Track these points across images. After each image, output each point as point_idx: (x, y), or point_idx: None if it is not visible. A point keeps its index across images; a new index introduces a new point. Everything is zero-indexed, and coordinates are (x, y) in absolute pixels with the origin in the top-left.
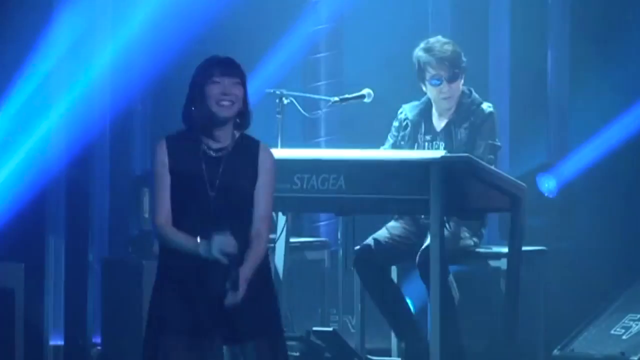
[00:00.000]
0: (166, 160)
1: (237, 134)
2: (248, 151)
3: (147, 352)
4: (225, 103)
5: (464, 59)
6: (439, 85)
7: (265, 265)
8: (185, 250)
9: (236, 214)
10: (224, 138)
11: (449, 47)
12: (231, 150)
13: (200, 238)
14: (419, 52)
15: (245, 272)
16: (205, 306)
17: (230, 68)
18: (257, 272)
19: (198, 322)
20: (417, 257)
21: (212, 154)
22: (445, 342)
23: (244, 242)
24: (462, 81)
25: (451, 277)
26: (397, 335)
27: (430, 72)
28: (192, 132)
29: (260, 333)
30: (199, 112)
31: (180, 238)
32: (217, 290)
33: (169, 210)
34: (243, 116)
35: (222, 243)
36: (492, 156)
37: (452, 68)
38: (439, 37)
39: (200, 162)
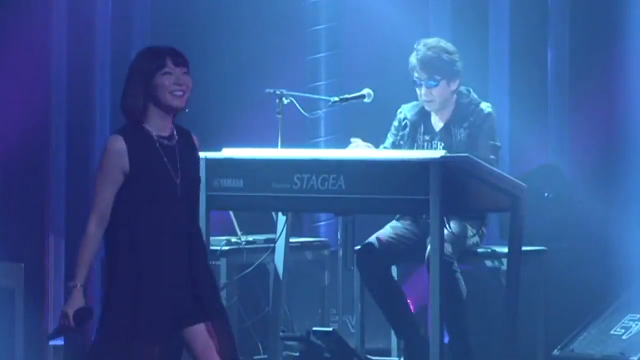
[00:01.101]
0: (127, 163)
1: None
2: (188, 139)
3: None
4: (178, 93)
5: (457, 62)
6: (419, 88)
7: (205, 249)
8: (79, 261)
9: (194, 199)
10: (168, 127)
11: (431, 53)
12: (177, 139)
13: (168, 225)
14: (411, 54)
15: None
16: (165, 303)
17: (181, 58)
18: (201, 257)
19: (160, 321)
20: (427, 256)
21: (166, 142)
22: (453, 339)
23: (198, 225)
24: (455, 85)
25: (458, 273)
26: (396, 333)
27: (414, 74)
28: (136, 123)
29: (210, 314)
30: (148, 102)
31: (87, 255)
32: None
33: (106, 215)
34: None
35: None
36: (493, 157)
37: (431, 73)
38: (430, 40)
39: (159, 152)
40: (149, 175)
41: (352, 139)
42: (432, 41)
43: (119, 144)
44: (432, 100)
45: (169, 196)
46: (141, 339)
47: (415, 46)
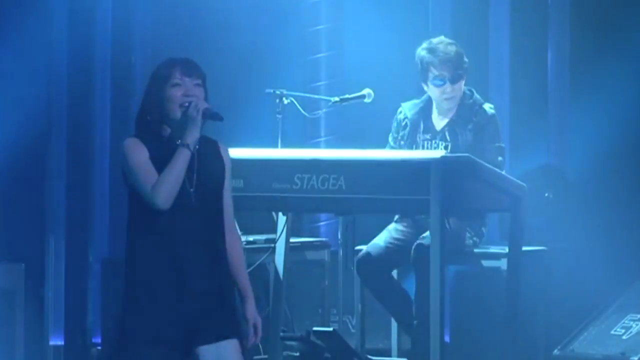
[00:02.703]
0: (148, 155)
1: None
2: (210, 149)
3: None
4: (186, 104)
5: (466, 59)
6: (441, 85)
7: (226, 263)
8: (181, 170)
9: (212, 209)
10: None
11: (452, 48)
12: (198, 149)
13: (182, 234)
14: (422, 52)
15: (246, 281)
16: (177, 314)
17: (191, 68)
18: (224, 275)
19: (171, 332)
20: (412, 253)
21: None
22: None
23: (219, 235)
24: (464, 81)
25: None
26: (404, 330)
27: (433, 72)
28: (154, 133)
29: (225, 335)
30: (159, 114)
31: (168, 171)
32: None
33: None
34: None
35: (196, 104)
36: (501, 158)
37: (455, 69)
38: (442, 38)
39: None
40: None
41: None
42: (445, 39)
43: (135, 141)
44: (454, 96)
45: (182, 204)
46: (140, 343)
47: (426, 46)
